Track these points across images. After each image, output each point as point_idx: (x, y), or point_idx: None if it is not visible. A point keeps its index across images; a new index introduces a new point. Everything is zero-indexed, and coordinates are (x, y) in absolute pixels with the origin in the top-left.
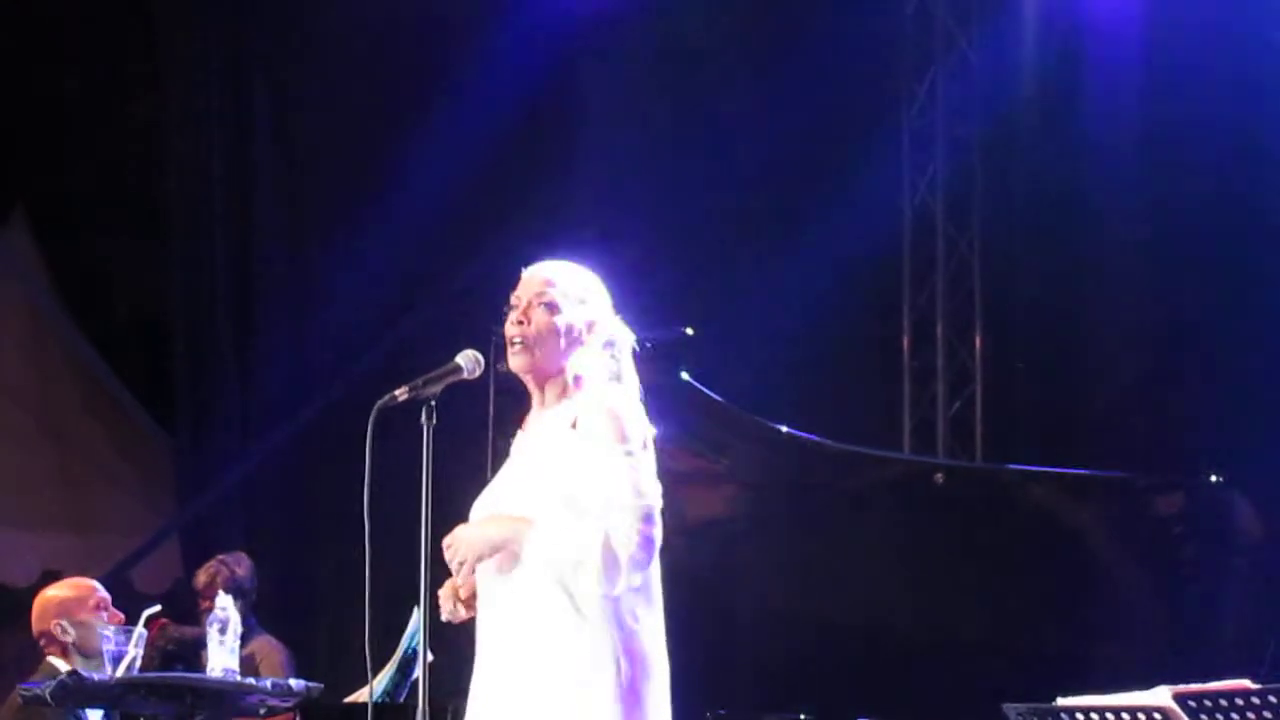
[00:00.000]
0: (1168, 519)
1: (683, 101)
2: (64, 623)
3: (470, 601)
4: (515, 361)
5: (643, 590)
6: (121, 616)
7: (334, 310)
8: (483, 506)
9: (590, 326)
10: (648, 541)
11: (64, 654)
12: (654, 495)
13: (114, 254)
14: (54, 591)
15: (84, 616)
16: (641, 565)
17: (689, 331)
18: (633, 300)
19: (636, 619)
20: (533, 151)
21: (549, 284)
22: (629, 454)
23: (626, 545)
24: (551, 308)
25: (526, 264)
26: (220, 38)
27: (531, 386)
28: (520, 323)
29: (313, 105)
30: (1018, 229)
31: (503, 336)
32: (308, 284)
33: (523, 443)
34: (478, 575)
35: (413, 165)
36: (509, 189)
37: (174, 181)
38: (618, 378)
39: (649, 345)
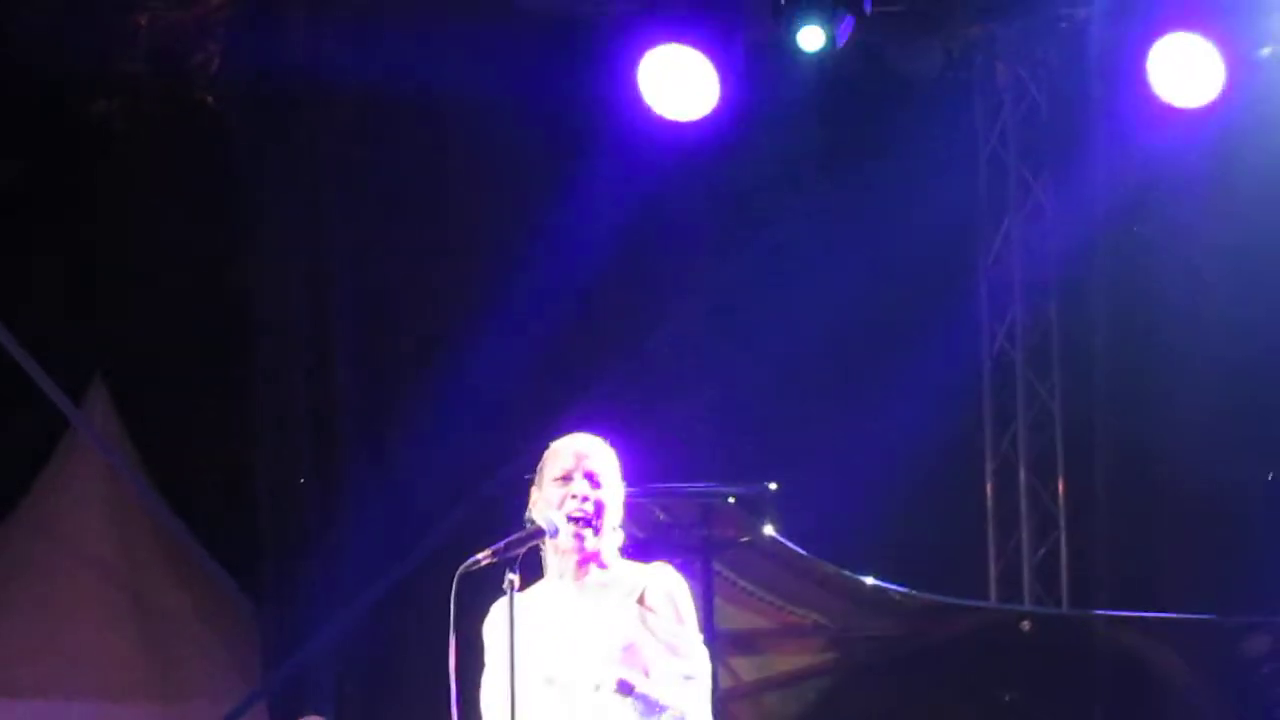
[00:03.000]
0: (1256, 660)
1: (759, 256)
2: None
3: None
4: (586, 536)
5: None
6: None
7: (417, 474)
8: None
9: (623, 502)
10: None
11: None
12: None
13: (195, 419)
14: None
15: None
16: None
17: (772, 486)
18: (713, 457)
19: None
20: (603, 319)
21: (606, 460)
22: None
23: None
24: (610, 484)
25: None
26: (301, 198)
27: (570, 563)
28: (588, 496)
29: (392, 266)
30: (1097, 372)
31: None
32: (391, 446)
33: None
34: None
35: (489, 334)
36: (582, 357)
37: (256, 344)
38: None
39: (733, 500)
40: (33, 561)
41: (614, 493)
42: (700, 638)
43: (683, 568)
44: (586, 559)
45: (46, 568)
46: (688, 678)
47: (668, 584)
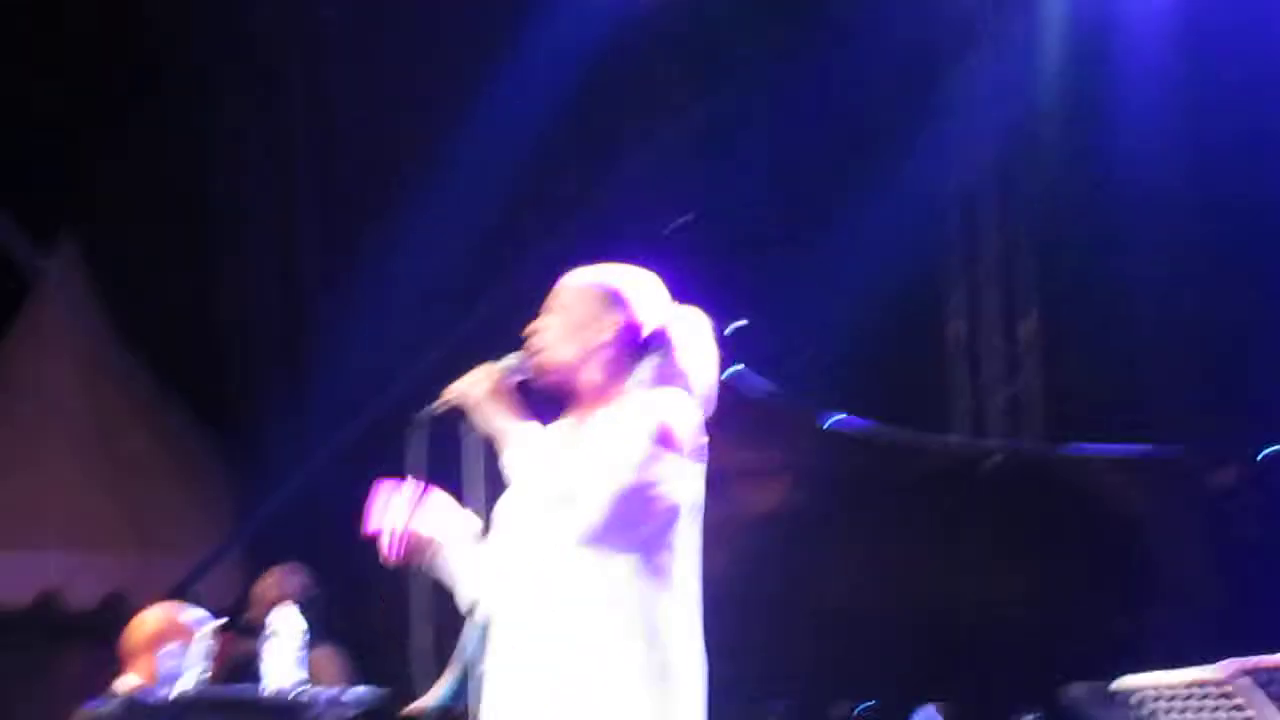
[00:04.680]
0: (1223, 493)
1: (723, 94)
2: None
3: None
4: (535, 368)
5: (663, 590)
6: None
7: (386, 320)
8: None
9: (613, 324)
10: (611, 518)
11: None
12: (638, 477)
13: (162, 272)
14: (151, 615)
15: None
16: (596, 536)
17: (738, 324)
18: (681, 294)
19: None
20: (574, 152)
21: (565, 287)
22: (644, 445)
23: (589, 509)
24: (565, 309)
25: (570, 268)
26: (256, 45)
27: (572, 396)
28: (536, 329)
29: (354, 102)
30: (1066, 204)
31: None
32: (358, 294)
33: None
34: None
35: (455, 184)
36: (553, 190)
37: (219, 193)
38: (667, 377)
39: None
40: (3, 414)
41: (568, 316)
42: (643, 456)
43: None
44: (564, 395)
45: (15, 420)
46: (566, 496)
47: (642, 400)
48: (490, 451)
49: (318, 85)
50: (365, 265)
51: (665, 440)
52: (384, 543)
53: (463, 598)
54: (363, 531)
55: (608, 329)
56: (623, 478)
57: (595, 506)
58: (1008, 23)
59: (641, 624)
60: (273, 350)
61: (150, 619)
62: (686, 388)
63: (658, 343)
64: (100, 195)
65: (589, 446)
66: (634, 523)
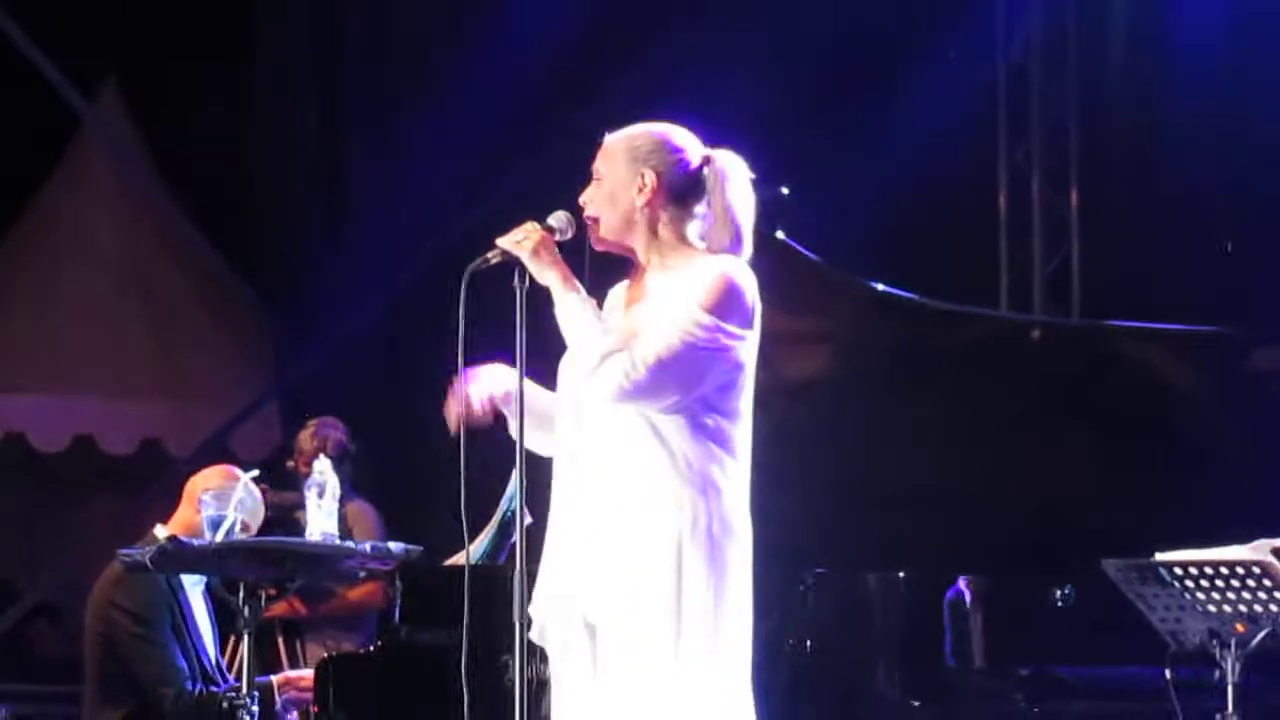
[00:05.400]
0: (1267, 374)
1: None
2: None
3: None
4: (592, 235)
5: (721, 451)
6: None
7: (426, 175)
8: (566, 362)
9: (644, 181)
10: (657, 370)
11: (190, 525)
12: (694, 343)
13: (206, 124)
14: (209, 471)
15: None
16: (642, 391)
17: (784, 191)
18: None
19: (717, 481)
20: (621, 24)
21: (601, 151)
22: (701, 311)
23: (635, 364)
24: (601, 177)
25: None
26: None
27: (630, 258)
28: (586, 199)
29: None
30: (1113, 81)
31: None
32: (398, 149)
33: (615, 300)
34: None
35: (508, 27)
36: (592, 63)
37: (263, 48)
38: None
39: None
40: (43, 259)
41: (606, 183)
42: (701, 321)
43: None
44: (623, 255)
45: (56, 265)
46: (614, 352)
47: (706, 265)
48: (537, 306)
49: None
50: (411, 111)
51: (726, 306)
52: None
53: (536, 443)
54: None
55: (647, 185)
56: (674, 340)
57: (640, 363)
58: None
59: (694, 484)
60: (316, 199)
61: (199, 474)
62: (732, 221)
63: (698, 185)
64: (143, 36)
65: (651, 304)
66: (681, 386)
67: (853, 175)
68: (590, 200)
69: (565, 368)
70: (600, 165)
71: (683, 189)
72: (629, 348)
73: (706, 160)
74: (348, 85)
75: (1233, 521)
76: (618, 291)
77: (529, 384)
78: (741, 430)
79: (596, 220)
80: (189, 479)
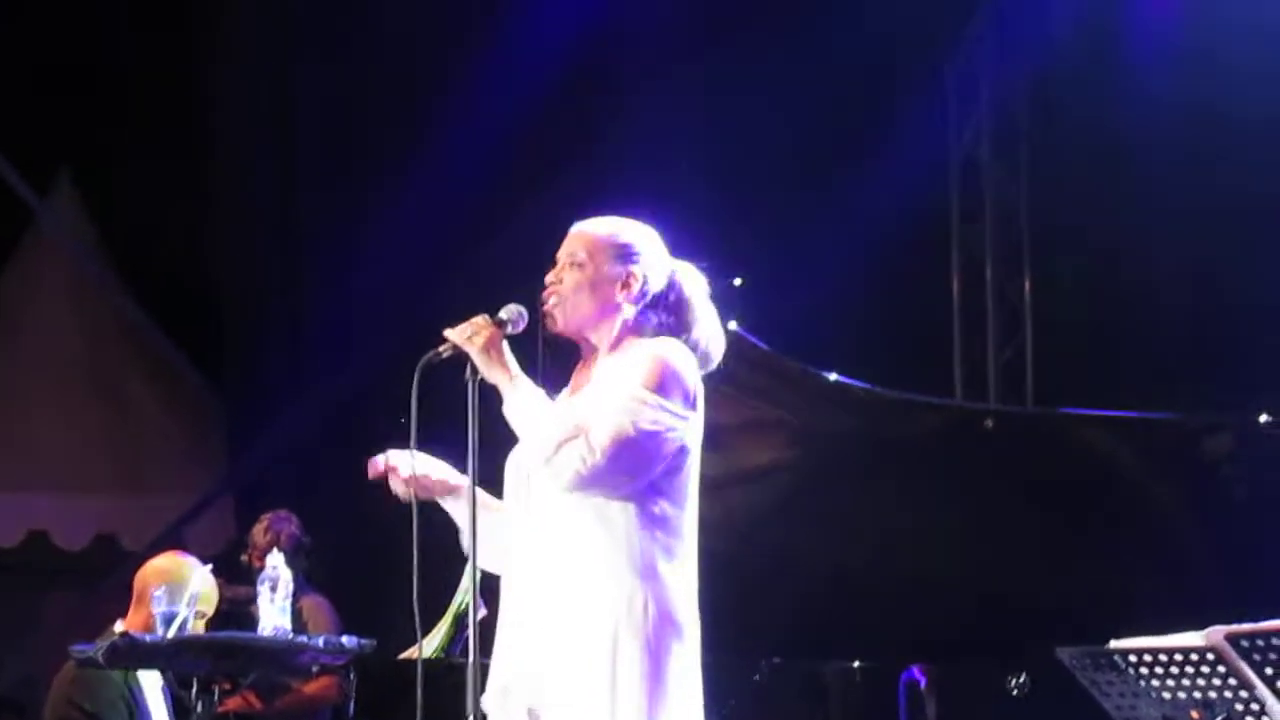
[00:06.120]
0: (1217, 460)
1: (729, 56)
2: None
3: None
4: (550, 320)
5: (668, 538)
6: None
7: (381, 267)
8: (513, 461)
9: (630, 280)
10: (614, 455)
11: (145, 620)
12: (645, 427)
13: (160, 214)
14: (164, 560)
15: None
16: (600, 476)
17: (737, 282)
18: (679, 252)
19: (661, 570)
20: (575, 114)
21: (582, 240)
22: (646, 391)
23: (592, 449)
24: (582, 265)
25: (572, 222)
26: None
27: (583, 345)
28: (552, 281)
29: (355, 62)
30: (1064, 171)
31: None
32: (354, 242)
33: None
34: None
35: (458, 123)
36: (553, 151)
37: (219, 143)
38: (673, 331)
39: None
40: None
41: (586, 272)
42: (646, 401)
43: None
44: (579, 343)
45: (10, 358)
46: (569, 440)
47: (640, 352)
48: (485, 399)
49: (321, 22)
50: (365, 207)
51: (668, 387)
52: (392, 484)
53: (466, 545)
54: (369, 474)
55: (624, 283)
56: (625, 423)
57: (597, 449)
58: None
59: (639, 572)
60: (270, 293)
61: (149, 565)
62: (693, 341)
63: (667, 296)
64: (98, 132)
65: (595, 393)
66: (636, 469)
67: (807, 266)
68: (563, 285)
69: (512, 467)
70: (579, 253)
71: (657, 292)
72: (583, 434)
73: (678, 273)
74: (303, 177)
75: (1186, 607)
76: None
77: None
78: (689, 517)
79: (562, 305)
80: (137, 570)
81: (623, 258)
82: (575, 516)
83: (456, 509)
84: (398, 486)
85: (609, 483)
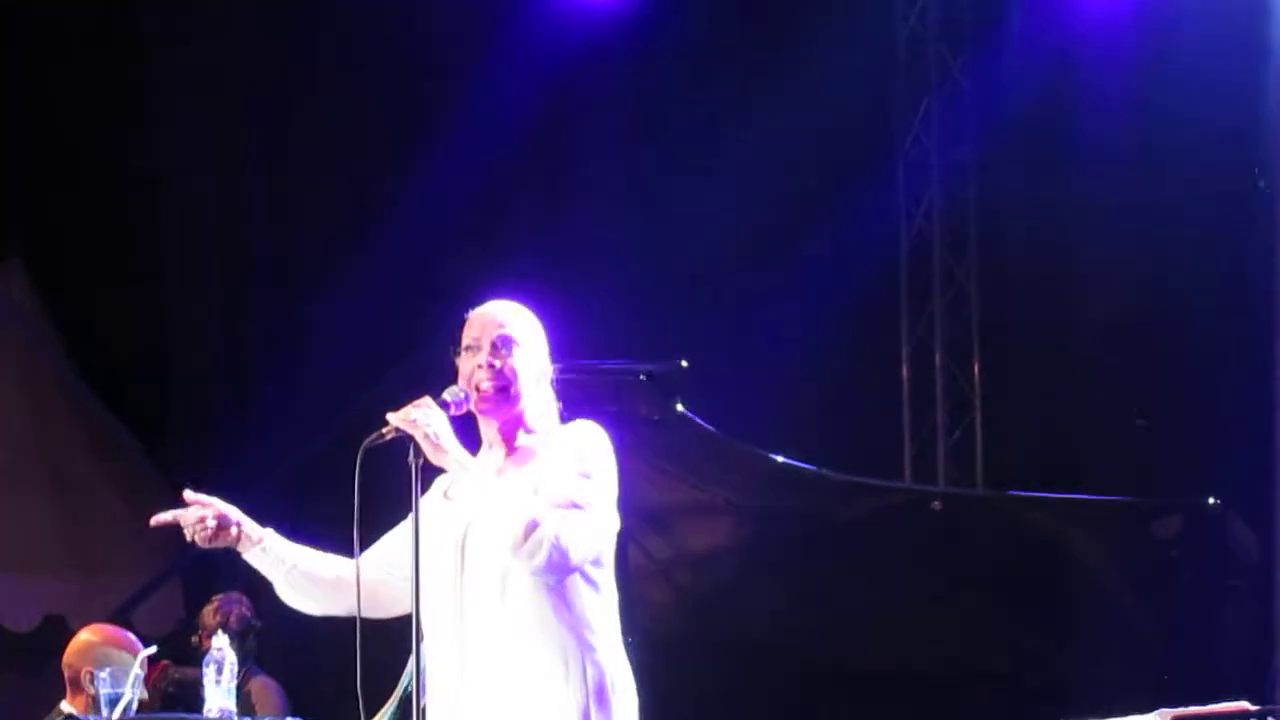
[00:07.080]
0: (1166, 542)
1: (677, 135)
2: (94, 671)
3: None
4: (497, 404)
5: (607, 604)
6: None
7: (328, 353)
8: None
9: (543, 364)
10: (590, 541)
11: (86, 703)
12: (604, 510)
13: (111, 300)
14: (88, 636)
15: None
16: (570, 562)
17: (683, 364)
18: (627, 334)
19: (599, 633)
20: (521, 198)
21: (515, 324)
22: (600, 476)
23: (566, 534)
24: (516, 346)
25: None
26: (212, 91)
27: (493, 430)
28: (493, 364)
29: (304, 158)
30: (1014, 254)
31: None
32: (301, 327)
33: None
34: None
35: (405, 210)
36: (499, 235)
37: (169, 230)
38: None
39: (645, 378)
40: None
41: (528, 356)
42: (607, 489)
43: None
44: (508, 426)
45: None
46: (573, 505)
47: (578, 434)
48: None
49: (270, 107)
50: (314, 292)
51: (610, 464)
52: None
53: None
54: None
55: (540, 363)
56: (591, 510)
57: (568, 537)
58: (961, 66)
59: (595, 644)
60: (219, 375)
61: (85, 641)
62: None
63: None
64: (47, 213)
65: (538, 469)
66: (596, 549)
67: (754, 347)
68: (512, 364)
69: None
70: (514, 334)
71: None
72: (553, 523)
73: None
74: (251, 264)
75: (1135, 688)
76: (489, 459)
77: (297, 548)
78: (613, 581)
79: (515, 384)
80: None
81: (543, 340)
82: (515, 585)
83: (259, 560)
84: (193, 533)
85: (576, 566)
